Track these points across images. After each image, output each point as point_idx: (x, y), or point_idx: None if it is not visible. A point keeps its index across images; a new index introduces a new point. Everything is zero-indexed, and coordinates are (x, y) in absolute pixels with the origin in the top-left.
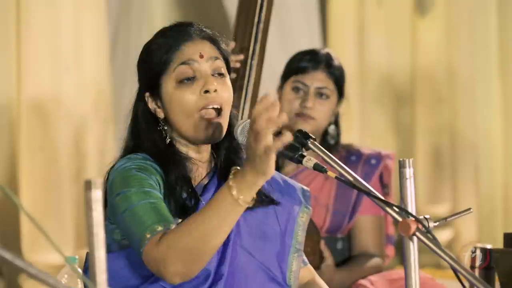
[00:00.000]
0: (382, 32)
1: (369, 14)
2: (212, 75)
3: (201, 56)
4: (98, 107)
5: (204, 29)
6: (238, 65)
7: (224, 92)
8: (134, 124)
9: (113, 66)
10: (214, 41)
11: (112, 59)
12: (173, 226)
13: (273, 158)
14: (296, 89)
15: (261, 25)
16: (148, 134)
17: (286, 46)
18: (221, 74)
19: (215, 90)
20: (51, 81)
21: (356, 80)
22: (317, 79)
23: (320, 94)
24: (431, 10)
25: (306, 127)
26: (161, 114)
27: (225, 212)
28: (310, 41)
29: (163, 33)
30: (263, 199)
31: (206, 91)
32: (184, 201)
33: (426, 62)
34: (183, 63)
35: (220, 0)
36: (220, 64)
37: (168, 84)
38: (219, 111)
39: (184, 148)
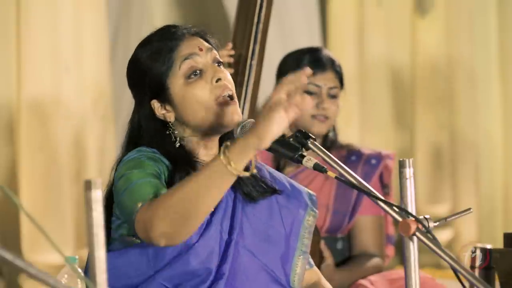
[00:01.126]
0: (382, 32)
1: (369, 14)
2: (214, 64)
3: (201, 49)
4: (98, 107)
5: (190, 26)
6: (231, 60)
7: (229, 79)
8: (140, 140)
9: (113, 66)
10: (202, 36)
11: (112, 59)
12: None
13: (274, 122)
14: (307, 92)
15: (261, 25)
16: (158, 141)
17: (286, 46)
18: (220, 63)
19: (225, 78)
20: (51, 81)
21: (356, 80)
22: (328, 80)
23: (331, 94)
24: (431, 10)
25: (322, 127)
26: (171, 118)
27: (215, 177)
28: (310, 41)
29: (150, 41)
30: (265, 189)
31: (218, 79)
32: None
33: (426, 62)
34: (186, 58)
35: (220, 0)
36: (216, 54)
37: (177, 84)
38: (231, 97)
39: (194, 148)
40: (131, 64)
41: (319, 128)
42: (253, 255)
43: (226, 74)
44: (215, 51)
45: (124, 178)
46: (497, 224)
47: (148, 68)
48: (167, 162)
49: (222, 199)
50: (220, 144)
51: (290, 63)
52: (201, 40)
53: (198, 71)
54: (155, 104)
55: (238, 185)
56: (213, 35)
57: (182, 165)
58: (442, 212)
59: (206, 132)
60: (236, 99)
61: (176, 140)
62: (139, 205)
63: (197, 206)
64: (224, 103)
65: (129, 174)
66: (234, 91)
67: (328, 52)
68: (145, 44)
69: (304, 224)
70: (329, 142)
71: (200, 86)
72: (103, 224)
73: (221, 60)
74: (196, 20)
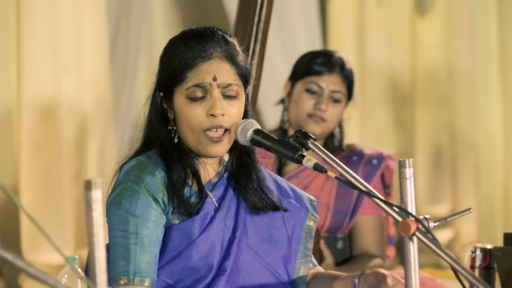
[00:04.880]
0: (382, 32)
1: (369, 14)
2: (223, 96)
3: (215, 79)
4: (98, 107)
5: (226, 43)
6: None
7: (232, 113)
8: (149, 118)
9: (113, 66)
10: (232, 59)
11: (112, 59)
12: (147, 282)
13: None
14: (310, 90)
15: (261, 25)
16: (157, 131)
17: (286, 46)
18: (231, 97)
19: (222, 114)
20: (51, 81)
21: (356, 80)
22: (333, 82)
23: (333, 97)
24: (431, 10)
25: (317, 128)
26: (171, 115)
27: None
28: (310, 41)
29: (186, 40)
30: (268, 205)
31: (211, 115)
32: (186, 199)
33: (426, 61)
34: (197, 85)
35: (220, 0)
36: (234, 88)
37: (179, 97)
38: (225, 130)
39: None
40: (169, 43)
41: (313, 128)
42: (257, 254)
43: (229, 109)
44: (234, 86)
45: (118, 218)
46: (497, 224)
47: (168, 65)
48: (165, 176)
49: (226, 199)
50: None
51: (303, 62)
52: (226, 67)
53: (202, 96)
54: (161, 97)
55: (243, 196)
56: (242, 49)
57: (179, 164)
58: (442, 212)
59: (194, 152)
60: (227, 136)
61: (175, 136)
62: (121, 282)
63: None
64: (209, 138)
65: (124, 221)
66: (231, 125)
67: (342, 57)
68: (183, 37)
69: (305, 228)
70: (331, 147)
71: (195, 112)
72: (103, 224)
73: (234, 95)
74: (196, 20)
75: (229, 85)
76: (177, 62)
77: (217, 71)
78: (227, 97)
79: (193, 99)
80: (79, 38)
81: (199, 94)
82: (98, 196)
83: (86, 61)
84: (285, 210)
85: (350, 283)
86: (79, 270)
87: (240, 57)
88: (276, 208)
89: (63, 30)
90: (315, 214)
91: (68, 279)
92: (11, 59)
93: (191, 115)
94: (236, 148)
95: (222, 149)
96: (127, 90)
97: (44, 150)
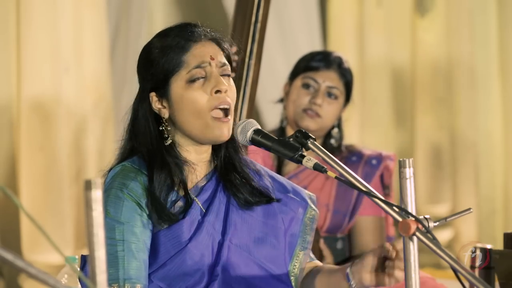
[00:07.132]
0: (382, 32)
1: (369, 14)
2: (221, 75)
3: (212, 58)
4: (98, 107)
5: (208, 30)
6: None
7: (231, 92)
8: (134, 125)
9: (113, 66)
10: (218, 42)
11: (112, 59)
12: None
13: None
14: (306, 86)
15: (259, 25)
16: (147, 136)
17: (286, 46)
18: (227, 75)
19: (226, 91)
20: (51, 81)
21: (356, 80)
22: (329, 78)
23: (329, 93)
24: (431, 9)
25: (311, 123)
26: (166, 114)
27: None
28: (310, 41)
29: (168, 34)
30: (260, 198)
31: (218, 91)
32: (167, 209)
33: (426, 61)
34: (197, 66)
35: (220, 0)
36: (228, 67)
37: (178, 84)
38: (226, 111)
39: (184, 150)
40: (143, 51)
41: (307, 123)
42: (249, 253)
43: (229, 87)
44: (227, 65)
45: (105, 225)
46: (497, 224)
47: (156, 60)
48: (147, 182)
49: (214, 202)
50: (213, 149)
51: (303, 60)
52: (216, 48)
53: (202, 78)
54: (153, 97)
55: (233, 192)
56: (228, 40)
57: (165, 169)
58: (442, 212)
59: (194, 139)
60: (230, 116)
61: (168, 137)
62: None
63: None
64: (217, 119)
65: (110, 228)
66: (232, 105)
67: (340, 57)
68: (162, 35)
69: (304, 221)
70: (330, 148)
71: (199, 93)
72: (103, 224)
73: (229, 74)
74: (196, 20)
75: (224, 64)
76: (169, 53)
77: (212, 52)
78: (223, 75)
79: (194, 81)
80: (79, 38)
81: (201, 75)
82: (98, 196)
83: (86, 61)
84: (278, 200)
85: (342, 276)
86: (79, 270)
87: (224, 43)
88: (269, 199)
89: (63, 30)
90: (314, 207)
91: (68, 279)
92: (11, 59)
93: (195, 97)
94: (223, 145)
95: (227, 132)
96: (127, 90)
97: (44, 150)
